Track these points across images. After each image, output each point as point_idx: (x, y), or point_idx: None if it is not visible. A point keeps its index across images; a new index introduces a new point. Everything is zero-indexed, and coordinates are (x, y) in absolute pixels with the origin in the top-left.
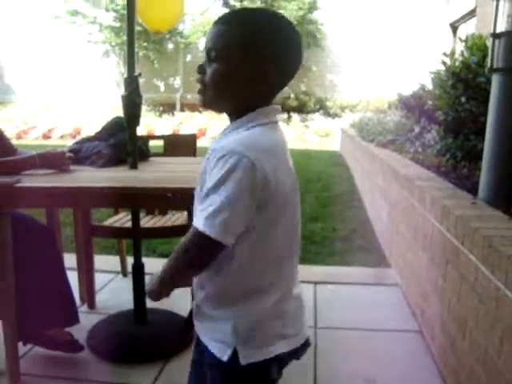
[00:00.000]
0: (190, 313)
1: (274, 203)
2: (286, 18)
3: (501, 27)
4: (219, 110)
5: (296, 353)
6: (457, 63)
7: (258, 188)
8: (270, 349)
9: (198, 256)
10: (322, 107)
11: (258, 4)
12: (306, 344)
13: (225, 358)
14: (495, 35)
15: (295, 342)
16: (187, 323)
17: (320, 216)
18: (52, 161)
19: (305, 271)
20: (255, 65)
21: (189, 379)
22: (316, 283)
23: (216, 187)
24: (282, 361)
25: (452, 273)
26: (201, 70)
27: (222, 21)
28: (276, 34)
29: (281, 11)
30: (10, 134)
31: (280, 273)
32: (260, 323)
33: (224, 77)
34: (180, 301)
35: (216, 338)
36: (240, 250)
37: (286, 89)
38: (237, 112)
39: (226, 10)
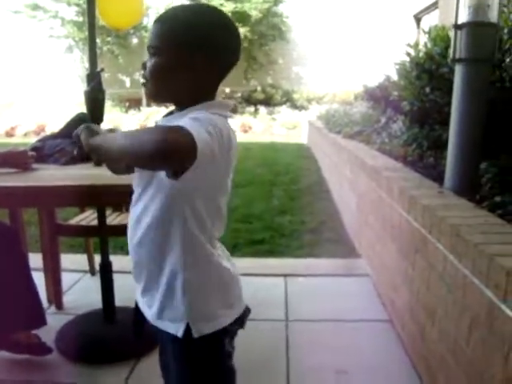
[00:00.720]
0: (136, 309)
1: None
2: (221, 11)
3: (462, 18)
4: (162, 102)
5: (240, 321)
6: (421, 54)
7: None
8: (218, 321)
9: (164, 148)
10: (288, 100)
11: None
12: (246, 311)
13: (179, 334)
14: (457, 26)
15: (237, 311)
16: (136, 322)
17: (288, 209)
18: (14, 160)
19: (275, 264)
20: (184, 56)
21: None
22: (286, 276)
23: (195, 120)
24: (230, 331)
25: (420, 262)
26: (144, 66)
27: (159, 19)
28: (206, 27)
29: (246, 4)
30: None
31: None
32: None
33: (159, 69)
34: None
35: (170, 319)
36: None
37: (252, 82)
38: (180, 103)
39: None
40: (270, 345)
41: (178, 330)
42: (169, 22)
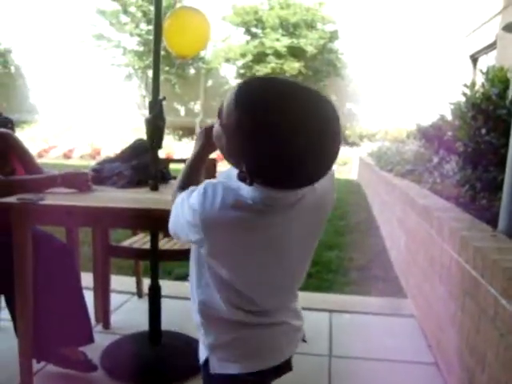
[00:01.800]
0: None
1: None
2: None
3: None
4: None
5: (260, 375)
6: (477, 95)
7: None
8: (230, 365)
9: None
10: None
11: (280, 32)
12: (279, 368)
13: (201, 362)
14: None
15: (255, 365)
16: None
17: (336, 244)
18: (73, 181)
19: (320, 299)
20: (243, 139)
21: None
22: (331, 311)
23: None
24: (245, 381)
25: (470, 305)
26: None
27: (236, 96)
28: (263, 116)
29: (302, 40)
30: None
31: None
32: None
33: (221, 141)
34: (193, 324)
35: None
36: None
37: None
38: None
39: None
40: (312, 379)
41: (202, 357)
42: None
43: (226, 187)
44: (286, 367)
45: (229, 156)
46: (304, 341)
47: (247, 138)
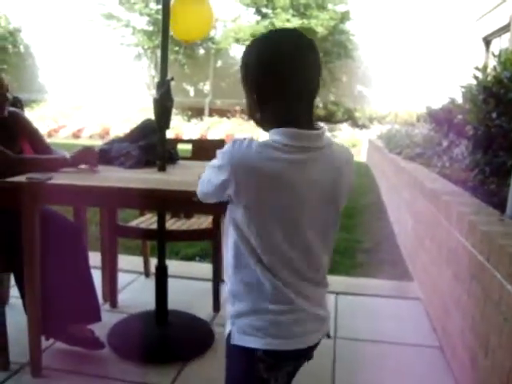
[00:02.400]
0: None
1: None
2: (286, 35)
3: None
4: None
5: (282, 359)
6: (489, 78)
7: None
8: (249, 338)
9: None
10: (350, 118)
11: (290, 13)
12: (298, 356)
13: (225, 334)
14: None
15: (274, 343)
16: None
17: (344, 226)
18: (83, 158)
19: None
20: (249, 91)
21: None
22: (337, 293)
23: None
24: (262, 359)
25: (476, 289)
26: None
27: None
28: (255, 60)
29: (312, 20)
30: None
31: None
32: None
33: (246, 100)
34: (201, 304)
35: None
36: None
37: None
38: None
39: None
40: (316, 360)
41: (226, 330)
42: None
43: (251, 139)
44: (305, 356)
45: (255, 113)
46: (328, 336)
47: (255, 78)
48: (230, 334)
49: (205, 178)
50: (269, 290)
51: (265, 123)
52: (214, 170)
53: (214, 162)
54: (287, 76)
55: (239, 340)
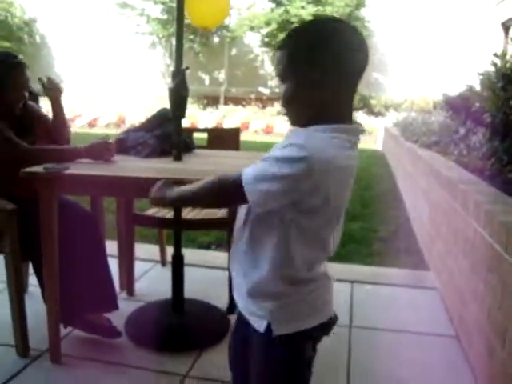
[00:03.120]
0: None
1: (320, 215)
2: (340, 23)
3: None
4: (298, 123)
5: (324, 329)
6: (508, 65)
7: (304, 192)
8: (300, 323)
9: (223, 196)
10: (365, 105)
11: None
12: (332, 320)
13: (262, 330)
14: None
15: (323, 316)
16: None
17: (360, 215)
18: (97, 151)
19: (342, 269)
20: (305, 76)
21: (232, 351)
22: (353, 282)
23: (275, 160)
24: (312, 336)
25: (493, 279)
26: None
27: (278, 47)
28: (322, 44)
29: (327, 7)
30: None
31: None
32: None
33: (289, 94)
34: (217, 293)
35: (256, 314)
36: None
37: None
38: (306, 121)
39: (273, 5)
40: (332, 349)
41: (261, 325)
42: (286, 47)
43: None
44: (334, 320)
45: (301, 101)
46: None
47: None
48: (268, 329)
49: (267, 170)
50: (309, 276)
51: (311, 115)
52: (282, 164)
53: (283, 153)
54: (352, 68)
55: (287, 328)
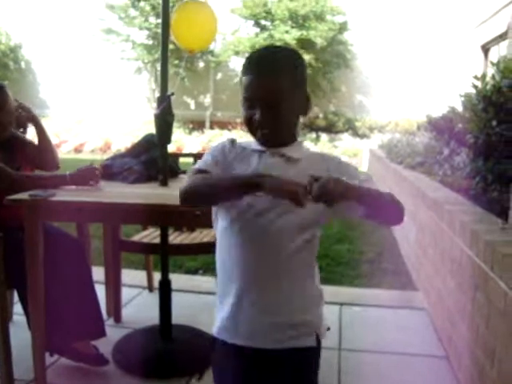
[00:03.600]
0: None
1: None
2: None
3: None
4: (276, 142)
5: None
6: (488, 87)
7: None
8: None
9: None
10: (350, 127)
11: (289, 24)
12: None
13: (314, 344)
14: None
15: None
16: None
17: (346, 238)
18: (83, 178)
19: (330, 292)
20: (304, 96)
21: None
22: (342, 304)
23: (360, 174)
24: None
25: (480, 299)
26: (259, 119)
27: (265, 73)
28: (305, 68)
29: (311, 32)
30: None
31: None
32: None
33: (287, 115)
34: (205, 318)
35: (302, 333)
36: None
37: (314, 108)
38: (292, 137)
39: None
40: (321, 372)
41: (311, 341)
42: (279, 72)
43: None
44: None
45: (292, 116)
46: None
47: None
48: (317, 339)
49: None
50: None
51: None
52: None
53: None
54: None
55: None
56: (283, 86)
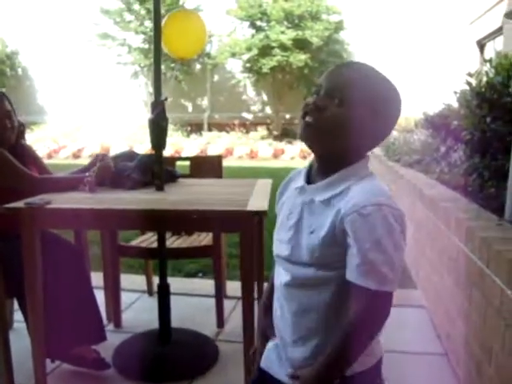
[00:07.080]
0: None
1: None
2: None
3: None
4: (318, 150)
5: None
6: (482, 83)
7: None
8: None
9: (381, 317)
10: None
11: (285, 25)
12: None
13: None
14: None
15: None
16: None
17: None
18: (101, 178)
19: None
20: (377, 122)
21: None
22: None
23: (379, 244)
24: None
25: (477, 296)
26: (315, 107)
27: (354, 71)
28: (393, 97)
29: (307, 31)
30: (41, 153)
31: None
32: None
33: (345, 124)
34: (204, 321)
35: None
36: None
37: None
38: (332, 156)
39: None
40: None
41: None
42: (368, 83)
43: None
44: None
45: (346, 132)
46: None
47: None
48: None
49: (393, 260)
50: None
51: (346, 149)
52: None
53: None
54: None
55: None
56: (355, 92)
